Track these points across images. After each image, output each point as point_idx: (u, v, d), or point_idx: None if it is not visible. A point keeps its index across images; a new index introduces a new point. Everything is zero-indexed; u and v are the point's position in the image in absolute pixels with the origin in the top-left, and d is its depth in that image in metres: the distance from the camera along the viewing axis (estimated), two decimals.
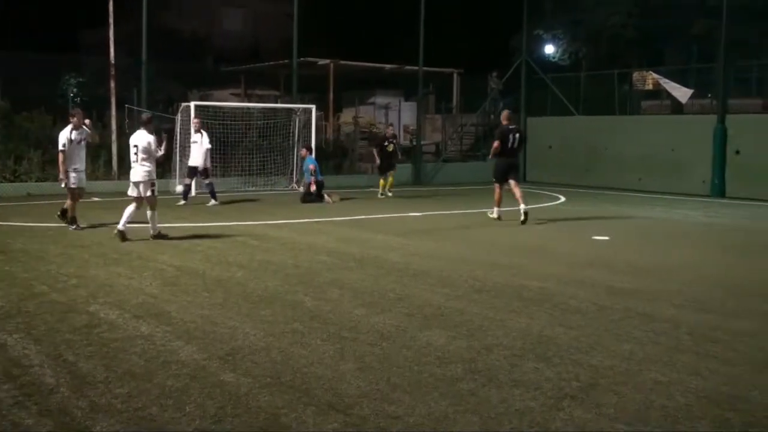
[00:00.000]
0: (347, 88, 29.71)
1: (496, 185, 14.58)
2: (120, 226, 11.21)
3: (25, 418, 4.47)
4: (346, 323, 6.67)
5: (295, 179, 21.30)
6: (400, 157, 21.30)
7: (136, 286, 8.18)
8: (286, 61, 25.19)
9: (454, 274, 9.05)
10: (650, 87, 24.93)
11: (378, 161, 20.03)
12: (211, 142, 17.08)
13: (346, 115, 28.83)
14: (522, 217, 13.96)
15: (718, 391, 5.07)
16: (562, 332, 6.49)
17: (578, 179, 24.94)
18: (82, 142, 12.33)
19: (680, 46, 29.53)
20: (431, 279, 8.78)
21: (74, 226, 12.28)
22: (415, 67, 25.86)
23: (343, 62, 27.12)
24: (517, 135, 14.38)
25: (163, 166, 21.05)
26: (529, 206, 14.43)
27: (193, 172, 17.08)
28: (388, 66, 28.26)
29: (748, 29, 25.24)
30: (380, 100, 29.27)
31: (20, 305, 7.21)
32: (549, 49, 32.38)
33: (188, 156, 17.50)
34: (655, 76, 24.51)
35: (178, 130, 19.78)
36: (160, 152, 11.60)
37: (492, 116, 30.50)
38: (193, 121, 17.64)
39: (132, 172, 11.48)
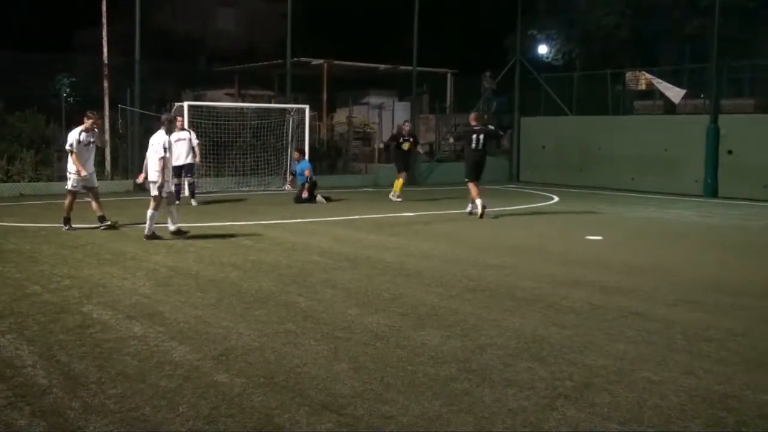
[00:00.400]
0: (341, 88, 29.69)
1: (469, 183, 15.30)
2: (146, 231, 11.35)
3: (17, 419, 4.46)
4: (339, 323, 6.67)
5: (288, 179, 21.27)
6: (421, 152, 20.12)
7: (130, 286, 8.16)
8: (279, 61, 25.16)
9: (447, 274, 9.06)
10: (643, 87, 24.98)
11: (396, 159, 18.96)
12: (204, 141, 17.05)
13: (340, 115, 28.79)
14: (468, 213, 15.29)
15: (711, 391, 5.09)
16: (555, 332, 6.50)
17: (571, 179, 24.99)
18: (91, 145, 12.37)
19: (673, 47, 29.61)
20: (425, 279, 8.78)
21: (67, 227, 12.26)
22: (409, 67, 25.86)
23: (336, 62, 27.09)
24: (482, 135, 15.22)
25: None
26: (515, 207, 14.46)
27: (178, 171, 16.97)
28: (382, 66, 28.25)
29: (741, 29, 25.33)
30: (374, 100, 29.25)
31: (13, 306, 7.19)
32: (542, 49, 32.44)
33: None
34: (648, 76, 24.56)
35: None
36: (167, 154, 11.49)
37: (486, 116, 30.55)
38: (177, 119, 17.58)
39: (149, 171, 11.53)
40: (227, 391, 4.92)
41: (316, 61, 26.57)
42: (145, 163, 11.72)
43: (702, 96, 24.21)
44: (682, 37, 27.78)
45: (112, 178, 19.70)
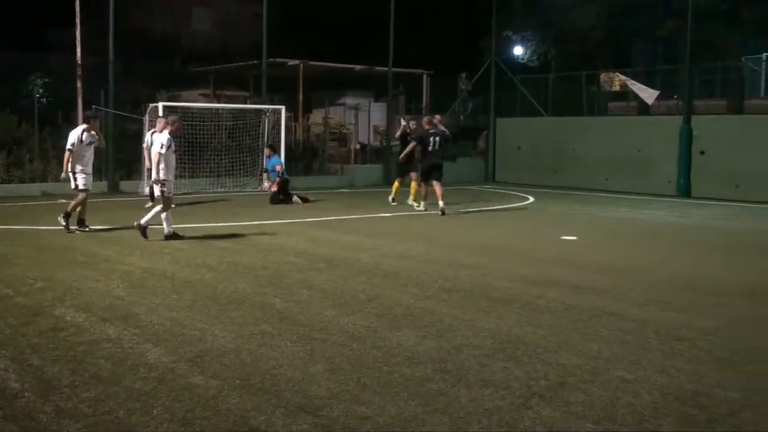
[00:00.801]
0: (317, 89, 29.64)
1: (422, 183, 16.23)
2: (166, 231, 11.48)
3: None
4: (316, 324, 6.66)
5: (264, 179, 21.16)
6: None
7: (104, 288, 8.09)
8: (255, 61, 25.08)
9: (423, 275, 9.08)
10: (617, 88, 25.21)
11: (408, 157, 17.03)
12: (179, 142, 16.88)
13: (316, 116, 28.75)
14: (440, 213, 15.43)
15: (683, 389, 5.15)
16: (530, 331, 6.54)
17: (546, 179, 25.15)
18: (91, 145, 12.39)
19: (647, 48, 29.91)
20: (401, 279, 8.80)
21: (87, 228, 12.24)
22: (385, 68, 25.90)
23: (312, 63, 27.06)
24: (437, 138, 15.87)
25: (131, 168, 20.92)
26: (490, 208, 14.52)
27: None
28: (358, 67, 28.25)
29: (713, 32, 25.64)
30: (350, 100, 29.22)
31: None
32: (518, 50, 32.62)
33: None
34: (622, 77, 24.79)
35: (147, 130, 19.57)
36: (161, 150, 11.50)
37: (462, 117, 30.66)
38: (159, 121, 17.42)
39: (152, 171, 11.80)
40: (202, 394, 4.90)
41: (291, 62, 26.52)
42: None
43: (675, 97, 24.46)
44: (656, 38, 28.06)
45: None
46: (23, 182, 18.81)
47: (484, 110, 29.14)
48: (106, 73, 20.50)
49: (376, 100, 29.36)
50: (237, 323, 6.67)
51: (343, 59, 28.03)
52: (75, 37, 20.17)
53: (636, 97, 24.50)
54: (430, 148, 15.81)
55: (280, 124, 21.76)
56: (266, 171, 19.32)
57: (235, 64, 29.38)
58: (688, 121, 21.90)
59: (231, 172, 21.59)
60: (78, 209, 12.26)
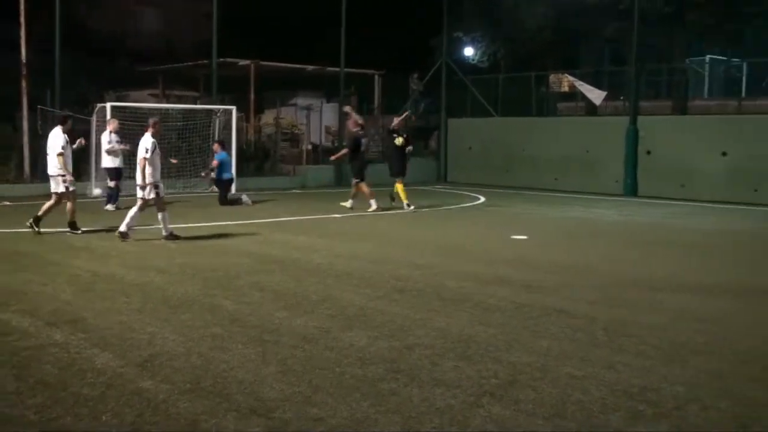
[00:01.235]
0: (268, 89, 29.46)
1: (361, 183, 16.55)
2: (164, 233, 11.61)
3: None
4: (267, 326, 6.63)
5: (211, 176, 20.73)
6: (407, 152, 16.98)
7: (50, 292, 7.93)
8: (205, 61, 24.81)
9: (376, 275, 9.09)
10: (566, 89, 25.60)
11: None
12: (128, 144, 16.61)
13: (268, 116, 28.57)
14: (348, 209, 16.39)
15: (631, 384, 5.24)
16: (481, 330, 6.60)
17: (497, 179, 25.37)
18: (71, 147, 12.33)
19: (594, 49, 30.38)
20: (354, 280, 8.80)
21: (79, 231, 12.07)
22: (337, 69, 25.87)
23: (264, 63, 26.88)
24: (364, 140, 17.26)
25: (79, 169, 20.49)
26: (442, 208, 14.60)
27: (118, 172, 16.49)
28: (309, 67, 28.16)
29: (658, 34, 26.15)
30: (302, 101, 29.12)
31: None
32: (468, 51, 32.83)
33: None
34: (571, 78, 25.17)
35: (94, 131, 19.21)
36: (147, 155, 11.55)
37: (414, 117, 30.75)
38: (110, 121, 17.12)
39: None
40: (152, 398, 4.83)
41: (242, 62, 26.31)
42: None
43: (622, 98, 24.92)
44: (602, 39, 28.51)
45: (31, 181, 19.10)
46: None
47: (436, 110, 29.29)
48: (51, 72, 20.06)
49: (328, 101, 29.32)
50: (187, 326, 6.60)
51: (295, 59, 27.91)
52: (20, 36, 19.69)
53: (584, 97, 24.90)
54: (362, 149, 16.91)
55: (231, 125, 21.56)
56: (212, 169, 19.08)
57: (185, 63, 29.02)
58: (634, 122, 22.34)
59: (181, 174, 21.31)
60: (72, 213, 12.14)
